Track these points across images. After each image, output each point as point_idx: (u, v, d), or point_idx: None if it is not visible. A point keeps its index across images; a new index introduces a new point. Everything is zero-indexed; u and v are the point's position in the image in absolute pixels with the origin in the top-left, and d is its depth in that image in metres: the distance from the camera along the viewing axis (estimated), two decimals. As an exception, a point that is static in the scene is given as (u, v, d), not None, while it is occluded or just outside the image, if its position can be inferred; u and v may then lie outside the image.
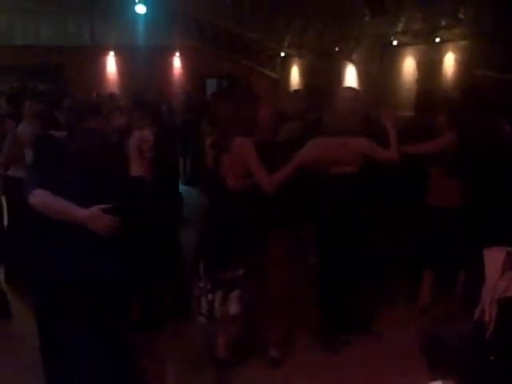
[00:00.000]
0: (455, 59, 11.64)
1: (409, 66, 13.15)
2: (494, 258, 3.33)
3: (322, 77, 15.06)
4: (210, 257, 4.21)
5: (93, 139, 3.41)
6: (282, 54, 17.50)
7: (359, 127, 4.67)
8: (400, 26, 12.55)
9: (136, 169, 3.59)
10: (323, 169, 4.59)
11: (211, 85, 18.09)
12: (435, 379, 2.89)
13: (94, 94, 12.04)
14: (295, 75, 17.52)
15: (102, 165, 3.36)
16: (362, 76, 14.60)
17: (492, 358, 3.10)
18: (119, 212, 3.25)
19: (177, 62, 17.78)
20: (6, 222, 6.26)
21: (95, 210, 3.22)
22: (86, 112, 3.59)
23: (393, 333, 5.07)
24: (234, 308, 4.23)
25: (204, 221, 4.40)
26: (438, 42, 11.80)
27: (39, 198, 3.24)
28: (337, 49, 14.46)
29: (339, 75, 15.14)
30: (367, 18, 11.45)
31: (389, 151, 4.70)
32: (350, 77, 15.00)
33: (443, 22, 11.36)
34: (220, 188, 4.20)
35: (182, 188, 6.87)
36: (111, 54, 16.80)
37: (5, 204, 6.34)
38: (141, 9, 13.56)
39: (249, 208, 4.18)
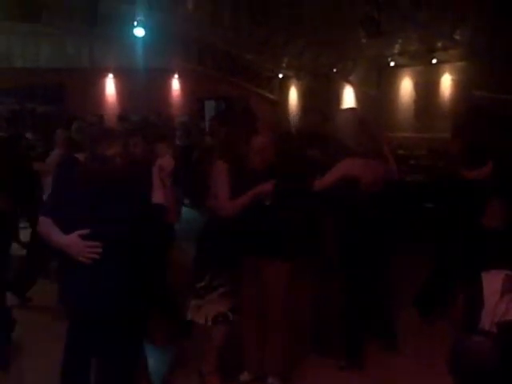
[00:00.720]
0: (452, 80, 11.74)
1: (406, 86, 13.25)
2: (492, 280, 3.33)
3: (321, 98, 15.16)
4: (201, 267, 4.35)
5: (107, 164, 3.44)
6: (280, 76, 17.63)
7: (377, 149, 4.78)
8: (397, 48, 12.67)
9: (156, 197, 3.61)
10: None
11: (210, 106, 18.18)
12: None
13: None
14: (293, 96, 17.63)
15: (116, 190, 3.41)
16: (359, 97, 14.70)
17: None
18: (104, 237, 3.27)
19: (175, 83, 17.88)
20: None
21: (72, 237, 3.26)
22: (103, 138, 3.62)
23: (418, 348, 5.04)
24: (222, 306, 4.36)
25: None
26: (434, 63, 11.92)
27: (41, 226, 3.37)
28: (335, 70, 14.58)
29: (337, 96, 15.24)
30: (364, 40, 11.53)
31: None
32: (348, 98, 15.09)
33: (439, 44, 11.47)
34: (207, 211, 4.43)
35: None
36: (110, 75, 16.90)
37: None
38: (139, 32, 13.60)
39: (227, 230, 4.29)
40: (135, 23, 13.46)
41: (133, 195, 3.48)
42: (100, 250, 3.24)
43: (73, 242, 3.24)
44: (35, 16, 13.15)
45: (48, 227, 3.32)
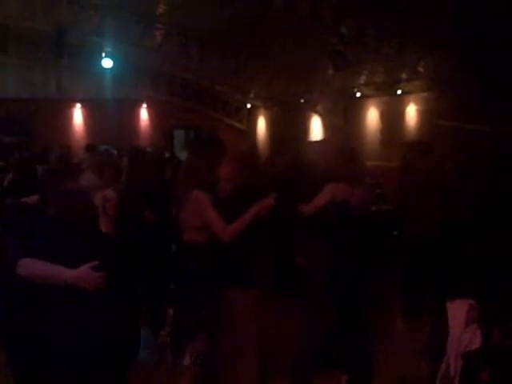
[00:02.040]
0: (417, 110, 11.95)
1: (372, 116, 13.45)
2: (457, 310, 3.37)
3: (288, 128, 15.31)
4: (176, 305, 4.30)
5: (73, 199, 3.46)
6: (249, 106, 17.77)
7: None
8: (362, 79, 12.90)
9: (102, 226, 3.69)
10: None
11: (179, 136, 18.21)
12: None
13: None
14: (261, 126, 17.76)
15: (82, 223, 3.41)
16: (327, 127, 14.87)
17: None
18: (102, 268, 3.31)
19: (144, 113, 17.89)
20: None
21: (85, 269, 3.26)
22: (64, 173, 3.65)
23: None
24: (186, 359, 4.23)
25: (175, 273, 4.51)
26: (399, 94, 12.13)
27: (26, 268, 3.25)
28: (302, 100, 14.75)
29: (305, 126, 15.40)
30: (331, 71, 11.72)
31: None
32: (316, 128, 15.25)
33: (404, 75, 11.71)
34: (180, 241, 4.30)
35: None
36: (78, 106, 16.85)
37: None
38: (107, 63, 13.68)
39: (205, 262, 4.22)
40: (103, 54, 13.52)
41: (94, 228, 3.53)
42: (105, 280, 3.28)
43: (86, 273, 3.25)
44: (2, 46, 13.11)
45: (41, 266, 3.24)
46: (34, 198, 4.03)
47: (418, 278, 5.54)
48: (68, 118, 16.83)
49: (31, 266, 3.25)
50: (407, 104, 12.15)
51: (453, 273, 4.44)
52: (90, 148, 11.29)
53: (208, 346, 4.24)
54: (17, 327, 3.60)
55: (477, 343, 3.28)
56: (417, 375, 4.13)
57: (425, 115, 11.71)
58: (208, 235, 4.22)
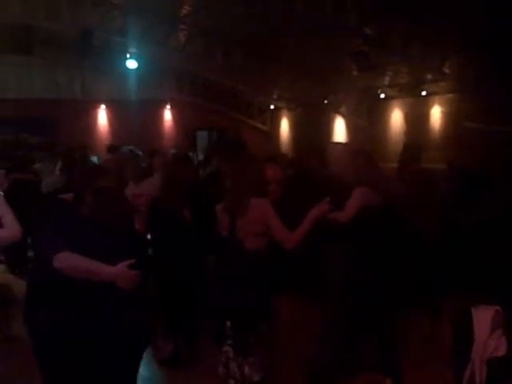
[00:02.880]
0: (442, 112, 11.84)
1: (396, 118, 13.35)
2: (482, 316, 3.32)
3: (312, 129, 15.26)
4: (234, 320, 4.17)
5: (105, 198, 3.49)
6: (272, 107, 17.75)
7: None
8: (387, 80, 12.80)
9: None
10: None
11: (202, 137, 18.25)
12: None
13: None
14: (285, 127, 17.72)
15: (114, 222, 3.47)
16: (350, 128, 14.79)
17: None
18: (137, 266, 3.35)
19: (167, 114, 17.98)
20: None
21: (121, 267, 3.29)
22: (96, 172, 3.67)
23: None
24: (255, 375, 4.16)
25: (222, 284, 4.37)
26: (424, 95, 12.02)
27: (64, 260, 3.27)
28: (326, 101, 14.68)
29: (328, 127, 15.34)
30: (355, 72, 11.66)
31: None
32: (339, 129, 15.19)
33: (429, 76, 11.60)
34: (237, 251, 4.20)
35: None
36: (102, 107, 16.98)
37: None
38: (132, 64, 13.76)
39: (266, 270, 4.19)
40: (128, 55, 13.60)
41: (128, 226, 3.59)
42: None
43: (123, 271, 3.29)
44: (28, 48, 13.27)
45: (81, 260, 3.29)
46: (70, 196, 4.08)
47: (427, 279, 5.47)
48: (92, 118, 16.98)
49: (69, 260, 3.26)
50: (432, 105, 12.05)
51: (474, 276, 4.41)
52: (111, 149, 11.35)
53: (269, 359, 4.20)
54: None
55: (502, 350, 3.23)
56: (441, 382, 4.06)
57: (450, 117, 11.60)
58: (267, 241, 4.17)
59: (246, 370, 4.04)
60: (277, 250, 4.13)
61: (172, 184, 5.45)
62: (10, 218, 3.52)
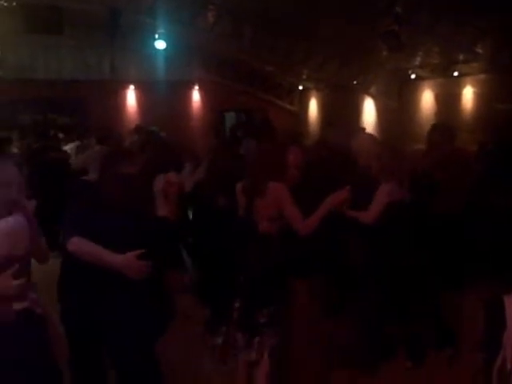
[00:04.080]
0: (474, 93, 11.64)
1: (427, 99, 13.16)
2: (514, 303, 3.24)
3: (341, 110, 15.11)
4: (243, 300, 4.18)
5: (124, 183, 3.49)
6: (300, 88, 17.60)
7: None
8: (418, 60, 12.59)
9: (162, 210, 3.71)
10: None
11: (230, 118, 18.21)
12: None
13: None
14: (313, 108, 17.59)
15: (133, 207, 3.48)
16: (380, 109, 14.63)
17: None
18: (149, 255, 3.36)
19: (196, 95, 17.95)
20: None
21: (129, 256, 3.33)
22: (119, 157, 3.66)
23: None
24: (252, 355, 4.16)
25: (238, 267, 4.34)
26: (456, 76, 11.81)
27: (76, 245, 3.35)
28: (355, 82, 14.52)
29: (357, 108, 15.18)
30: (385, 52, 11.48)
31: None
32: (369, 110, 15.02)
33: (461, 56, 11.38)
34: (250, 232, 4.17)
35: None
36: (131, 87, 17.02)
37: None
38: (160, 44, 13.72)
39: (280, 253, 4.16)
40: (156, 36, 13.57)
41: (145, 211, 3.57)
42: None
43: (131, 261, 3.34)
44: (58, 28, 13.30)
45: (91, 247, 3.35)
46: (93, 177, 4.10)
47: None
48: (121, 99, 17.02)
49: (80, 245, 3.34)
50: (464, 86, 11.85)
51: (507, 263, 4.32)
52: (138, 130, 11.38)
53: (279, 340, 4.18)
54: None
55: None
56: (471, 369, 4.00)
57: (482, 98, 11.40)
58: (279, 225, 4.14)
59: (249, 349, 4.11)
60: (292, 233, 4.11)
61: (215, 173, 5.47)
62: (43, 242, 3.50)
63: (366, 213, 4.56)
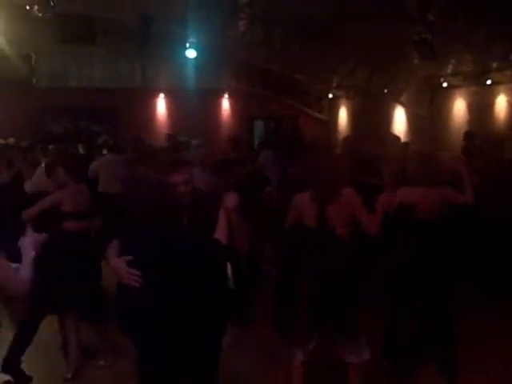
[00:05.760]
0: (507, 101, 11.46)
1: (459, 107, 12.99)
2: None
3: (371, 119, 15.01)
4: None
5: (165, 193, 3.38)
6: (330, 96, 17.54)
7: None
8: (450, 68, 12.45)
9: (219, 235, 3.51)
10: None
11: (259, 126, 18.23)
12: None
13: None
14: (343, 117, 17.50)
15: (148, 213, 3.37)
16: (411, 118, 14.49)
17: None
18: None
19: (225, 104, 18.02)
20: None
21: (117, 261, 3.33)
22: (172, 166, 3.60)
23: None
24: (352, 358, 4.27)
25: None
26: (489, 84, 11.64)
27: (108, 248, 3.45)
28: (386, 91, 14.41)
29: (388, 117, 15.07)
30: (416, 61, 11.39)
31: (465, 196, 4.87)
32: (399, 119, 14.90)
33: (494, 65, 11.22)
34: (327, 239, 4.21)
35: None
36: (161, 96, 17.14)
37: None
38: (191, 53, 13.81)
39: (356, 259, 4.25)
40: (187, 45, 13.67)
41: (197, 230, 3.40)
42: (138, 279, 3.23)
43: (116, 265, 3.33)
44: (90, 38, 13.48)
45: (111, 250, 3.41)
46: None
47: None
48: (152, 107, 17.16)
49: (110, 247, 3.45)
50: (497, 95, 11.67)
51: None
52: (170, 138, 11.44)
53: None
54: None
55: None
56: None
57: (516, 107, 11.23)
58: (349, 230, 4.28)
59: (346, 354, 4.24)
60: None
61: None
62: None
63: (370, 225, 4.51)
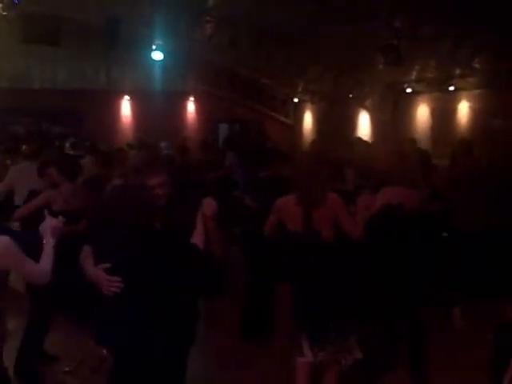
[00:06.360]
0: (469, 107, 11.66)
1: (422, 113, 13.18)
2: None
3: (336, 123, 15.12)
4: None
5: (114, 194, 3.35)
6: (296, 100, 17.62)
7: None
8: (414, 74, 12.62)
9: (196, 240, 3.44)
10: None
11: (223, 129, 18.22)
12: None
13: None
14: (308, 121, 17.59)
15: (121, 217, 3.24)
16: (375, 123, 14.64)
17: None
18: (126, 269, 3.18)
19: (191, 106, 17.95)
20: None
21: (95, 270, 3.20)
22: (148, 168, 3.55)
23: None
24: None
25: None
26: (452, 90, 11.84)
27: (82, 256, 3.34)
28: (351, 95, 14.54)
29: (352, 122, 15.20)
30: (381, 66, 11.53)
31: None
32: (364, 123, 15.04)
33: (457, 71, 11.42)
34: (314, 243, 4.19)
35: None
36: (126, 97, 16.99)
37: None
38: (158, 56, 13.73)
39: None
40: (153, 47, 13.58)
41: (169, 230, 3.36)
42: (120, 285, 3.12)
43: (95, 275, 3.21)
44: (54, 39, 13.29)
45: (84, 257, 3.31)
46: None
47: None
48: (116, 109, 17.00)
49: (83, 254, 3.34)
50: (459, 101, 11.87)
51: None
52: (138, 141, 11.39)
53: None
54: None
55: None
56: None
57: (477, 113, 11.43)
58: (333, 234, 4.31)
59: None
60: None
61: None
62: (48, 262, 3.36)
63: (353, 229, 4.52)
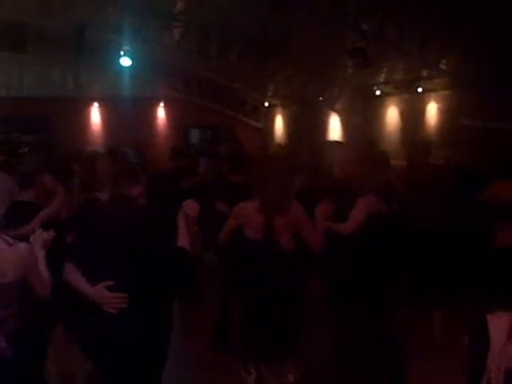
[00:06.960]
0: (438, 108, 11.79)
1: (392, 115, 13.29)
2: (499, 323, 3.23)
3: (306, 126, 15.18)
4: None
5: (127, 207, 3.28)
6: (266, 104, 17.64)
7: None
8: (382, 77, 12.74)
9: (182, 241, 3.41)
10: None
11: (195, 135, 18.16)
12: None
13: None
14: (279, 125, 17.63)
15: (118, 230, 3.23)
16: (345, 125, 14.72)
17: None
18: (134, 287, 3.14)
19: (161, 112, 17.85)
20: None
21: (98, 288, 3.14)
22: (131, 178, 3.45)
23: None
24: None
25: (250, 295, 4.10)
26: (420, 92, 11.96)
27: (66, 273, 3.23)
28: (321, 98, 14.61)
29: (323, 125, 15.27)
30: (350, 69, 11.60)
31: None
32: (334, 126, 15.12)
33: (425, 73, 11.55)
34: (273, 251, 3.98)
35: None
36: (95, 104, 16.84)
37: None
38: (126, 62, 13.62)
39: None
40: (122, 53, 13.47)
41: (156, 239, 3.29)
42: (126, 300, 3.11)
43: (99, 293, 3.14)
44: (20, 45, 13.11)
45: (72, 275, 3.21)
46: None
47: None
48: (85, 116, 16.84)
49: (68, 271, 3.23)
50: (428, 102, 11.99)
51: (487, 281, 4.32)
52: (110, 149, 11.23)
53: None
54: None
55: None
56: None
57: (446, 114, 11.55)
58: (294, 243, 4.04)
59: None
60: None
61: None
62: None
63: (345, 224, 4.49)
